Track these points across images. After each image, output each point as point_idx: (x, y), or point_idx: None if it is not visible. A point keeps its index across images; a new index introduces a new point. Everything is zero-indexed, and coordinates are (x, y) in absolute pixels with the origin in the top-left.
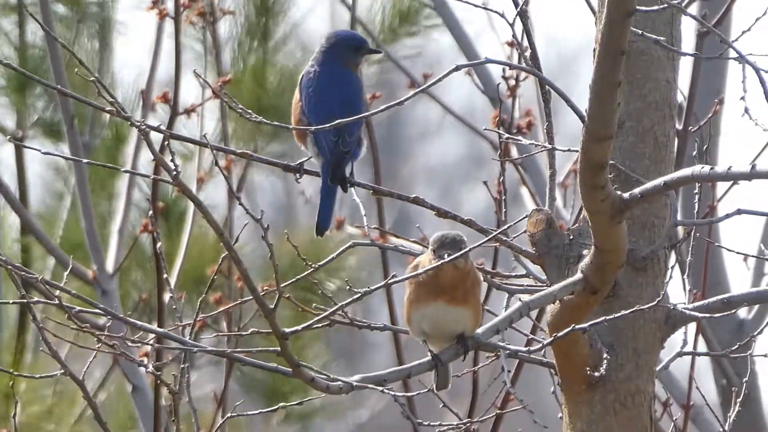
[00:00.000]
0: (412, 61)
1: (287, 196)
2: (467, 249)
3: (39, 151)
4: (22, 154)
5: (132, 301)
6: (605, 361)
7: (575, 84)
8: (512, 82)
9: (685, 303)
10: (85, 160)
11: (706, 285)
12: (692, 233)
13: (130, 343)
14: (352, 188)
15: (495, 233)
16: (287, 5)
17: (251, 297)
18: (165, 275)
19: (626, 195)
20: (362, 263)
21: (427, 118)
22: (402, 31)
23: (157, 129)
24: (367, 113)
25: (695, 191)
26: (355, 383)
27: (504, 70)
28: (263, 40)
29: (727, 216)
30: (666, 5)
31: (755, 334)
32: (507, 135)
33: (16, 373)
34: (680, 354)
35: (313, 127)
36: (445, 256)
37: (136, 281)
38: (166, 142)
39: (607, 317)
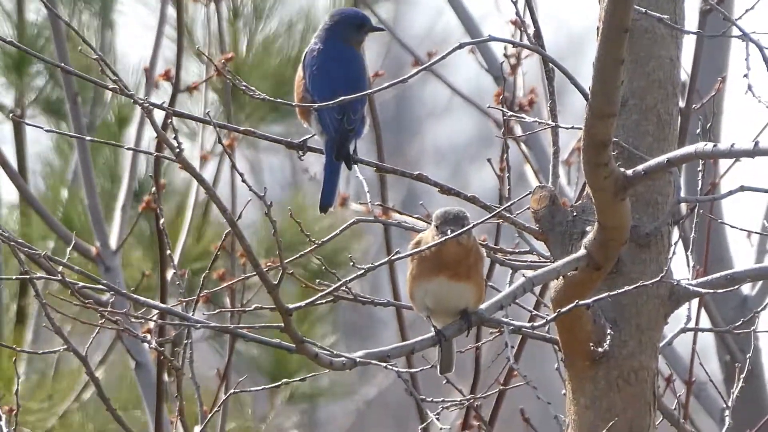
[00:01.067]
0: (420, 42)
1: (293, 175)
2: (470, 225)
3: (42, 128)
4: (22, 132)
5: (135, 278)
6: (608, 337)
7: (583, 65)
8: (514, 61)
9: (688, 279)
10: (88, 138)
11: (709, 261)
12: (695, 210)
13: (133, 320)
14: (356, 165)
15: (498, 209)
16: None
17: (255, 273)
18: (168, 252)
19: (629, 172)
20: (367, 245)
21: (435, 98)
22: None
23: (160, 106)
24: (370, 90)
25: (698, 168)
26: (358, 359)
27: (506, 48)
28: (266, 19)
29: (730, 193)
30: None
31: (759, 310)
32: (510, 113)
33: (18, 348)
34: (684, 330)
35: (317, 104)
36: (449, 231)
37: (139, 258)
38: (169, 120)
39: (611, 293)
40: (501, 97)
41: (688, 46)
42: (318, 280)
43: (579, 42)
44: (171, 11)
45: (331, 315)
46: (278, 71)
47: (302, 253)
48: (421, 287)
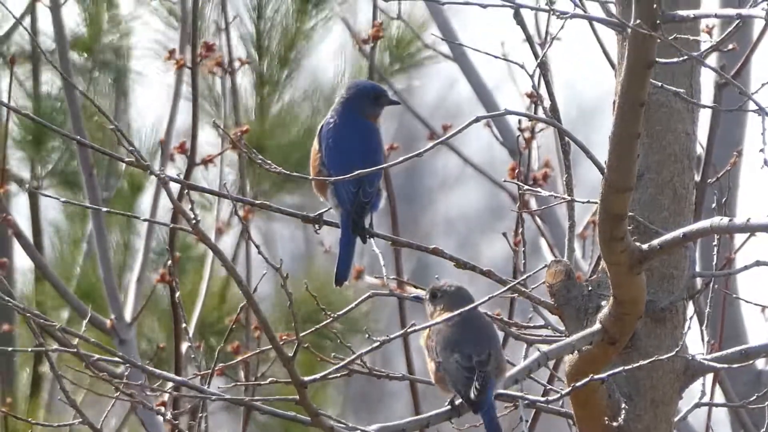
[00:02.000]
0: (431, 113)
1: (306, 246)
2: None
3: (58, 199)
4: (37, 204)
5: (148, 351)
6: (623, 412)
7: (594, 135)
8: (529, 134)
9: (703, 354)
10: (104, 209)
11: (724, 336)
12: (711, 284)
13: (148, 392)
14: (371, 239)
15: (513, 283)
16: (305, 53)
17: (270, 346)
18: (184, 324)
19: (645, 246)
20: (378, 313)
21: (447, 169)
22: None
23: (176, 179)
24: (386, 164)
25: (714, 243)
26: None
27: (520, 122)
28: (281, 91)
29: (746, 267)
30: (686, 57)
31: None
32: (526, 187)
33: (33, 421)
34: (698, 405)
35: (333, 178)
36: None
37: (153, 330)
38: (186, 192)
39: (626, 367)
40: (516, 171)
41: (704, 119)
42: (333, 354)
43: (590, 112)
44: (186, 79)
45: (342, 386)
46: (295, 141)
47: (318, 326)
48: None
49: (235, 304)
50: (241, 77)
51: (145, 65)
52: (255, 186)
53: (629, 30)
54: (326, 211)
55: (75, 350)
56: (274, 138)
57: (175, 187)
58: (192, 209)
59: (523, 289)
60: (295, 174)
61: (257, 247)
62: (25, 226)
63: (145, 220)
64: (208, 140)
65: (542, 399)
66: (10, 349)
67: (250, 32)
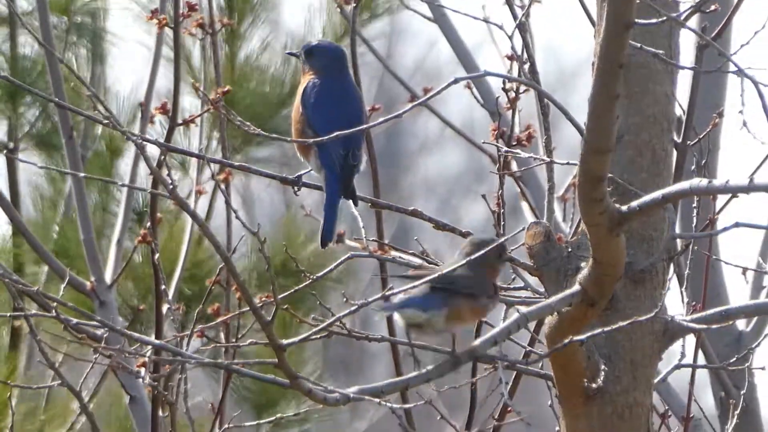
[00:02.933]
0: (411, 75)
1: (285, 207)
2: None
3: (36, 165)
4: (15, 165)
5: (129, 312)
6: (603, 373)
7: (574, 97)
8: (512, 95)
9: (682, 315)
10: (82, 174)
11: (706, 298)
12: (691, 246)
13: (127, 355)
14: (350, 201)
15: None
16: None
17: (248, 309)
18: (163, 286)
19: (624, 208)
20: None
21: (426, 131)
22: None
23: (153, 142)
24: (367, 125)
25: (694, 205)
26: (352, 395)
27: (504, 83)
28: (243, 44)
29: (725, 229)
30: (665, 18)
31: (753, 346)
32: (506, 148)
33: (12, 383)
34: (678, 366)
35: (319, 139)
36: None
37: (133, 292)
38: (163, 157)
39: (605, 329)
40: (497, 132)
41: (684, 81)
42: (312, 316)
43: (569, 74)
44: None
45: (321, 349)
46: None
47: (296, 288)
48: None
49: (215, 266)
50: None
51: (124, 26)
52: (228, 141)
53: None
54: (307, 172)
55: (55, 315)
56: (243, 90)
57: (154, 150)
58: (169, 174)
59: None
60: (273, 136)
61: (235, 212)
62: (3, 187)
63: (123, 185)
64: (186, 101)
65: (522, 361)
66: None
67: None
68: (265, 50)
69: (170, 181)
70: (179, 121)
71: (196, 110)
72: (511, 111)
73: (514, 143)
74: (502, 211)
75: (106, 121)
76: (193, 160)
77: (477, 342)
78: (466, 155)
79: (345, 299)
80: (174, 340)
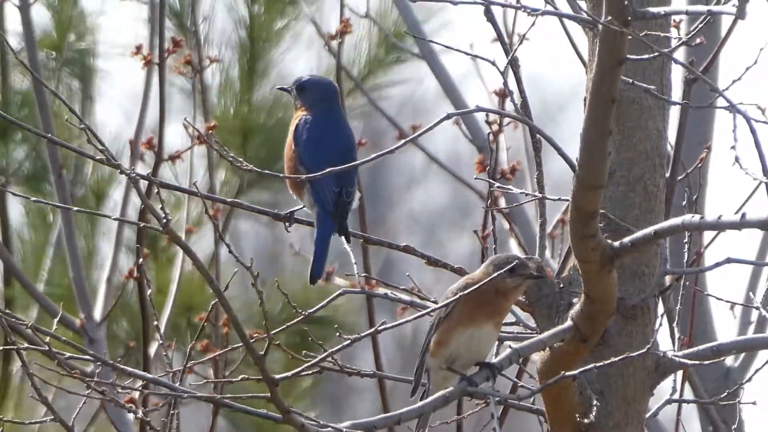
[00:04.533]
0: (397, 110)
1: (273, 244)
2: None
3: (28, 198)
4: (5, 204)
5: (118, 349)
6: (595, 409)
7: (558, 131)
8: (495, 128)
9: (674, 350)
10: (75, 208)
11: (693, 333)
12: (680, 281)
13: (119, 390)
14: (341, 237)
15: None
16: (273, 53)
17: (241, 344)
18: (155, 322)
19: (617, 244)
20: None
21: (411, 164)
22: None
23: (147, 177)
24: (360, 162)
25: (685, 240)
26: (345, 429)
27: (488, 116)
28: (249, 88)
29: (717, 265)
30: (657, 53)
31: (744, 382)
32: (497, 184)
33: (5, 418)
34: (669, 401)
35: (305, 176)
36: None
37: (123, 329)
38: (156, 191)
39: (597, 364)
40: (487, 167)
41: (672, 116)
42: (304, 352)
43: (554, 108)
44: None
45: (310, 384)
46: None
47: (290, 323)
48: (465, 333)
49: (200, 301)
50: (218, 72)
51: (111, 64)
52: (226, 184)
53: (600, 27)
54: (299, 209)
55: (46, 348)
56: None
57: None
58: (162, 208)
59: None
60: (266, 172)
61: (228, 246)
62: None
63: (115, 219)
64: (181, 139)
65: (514, 396)
66: None
67: (244, 17)
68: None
69: (163, 215)
70: (166, 157)
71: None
72: (495, 145)
73: (498, 176)
74: (494, 246)
75: (99, 157)
76: (184, 202)
77: (469, 374)
78: (451, 189)
79: (338, 334)
80: (167, 375)
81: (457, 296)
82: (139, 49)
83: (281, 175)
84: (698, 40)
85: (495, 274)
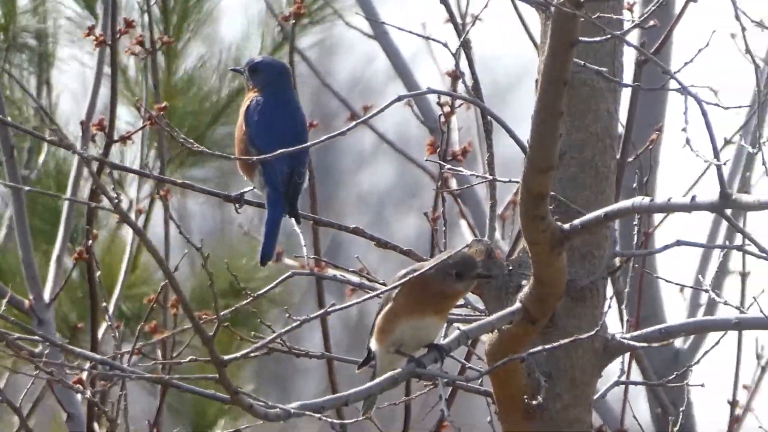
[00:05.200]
0: (348, 90)
1: (221, 224)
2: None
3: None
4: None
5: (67, 331)
6: (543, 390)
7: (508, 112)
8: (447, 109)
9: (622, 332)
10: (26, 188)
11: (643, 315)
12: (630, 263)
13: (68, 371)
14: (291, 218)
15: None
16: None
17: (190, 326)
18: (104, 304)
19: (567, 226)
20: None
21: (359, 145)
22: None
23: (99, 159)
24: (311, 143)
25: (635, 222)
26: (293, 410)
27: (439, 98)
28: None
29: (667, 247)
30: (609, 36)
31: (692, 364)
32: (449, 166)
33: None
34: (618, 383)
35: (257, 158)
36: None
37: (72, 310)
38: (108, 171)
39: (546, 346)
40: (438, 149)
41: (623, 98)
42: (253, 333)
43: (504, 90)
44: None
45: (257, 365)
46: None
47: (238, 305)
48: (409, 323)
49: (152, 284)
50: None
51: (63, 47)
52: (167, 161)
53: (553, 9)
54: (249, 190)
55: None
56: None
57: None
58: (114, 188)
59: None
60: (217, 153)
61: (178, 226)
62: None
63: (67, 199)
64: (128, 120)
65: (462, 378)
66: None
67: None
68: (202, 66)
69: (114, 196)
70: (116, 137)
71: (136, 127)
72: (447, 126)
73: (449, 158)
74: (444, 228)
75: (51, 137)
76: (129, 178)
77: (417, 356)
78: (400, 170)
79: (288, 315)
80: (115, 356)
81: (397, 284)
82: (91, 29)
83: (232, 156)
84: (651, 23)
85: (443, 280)
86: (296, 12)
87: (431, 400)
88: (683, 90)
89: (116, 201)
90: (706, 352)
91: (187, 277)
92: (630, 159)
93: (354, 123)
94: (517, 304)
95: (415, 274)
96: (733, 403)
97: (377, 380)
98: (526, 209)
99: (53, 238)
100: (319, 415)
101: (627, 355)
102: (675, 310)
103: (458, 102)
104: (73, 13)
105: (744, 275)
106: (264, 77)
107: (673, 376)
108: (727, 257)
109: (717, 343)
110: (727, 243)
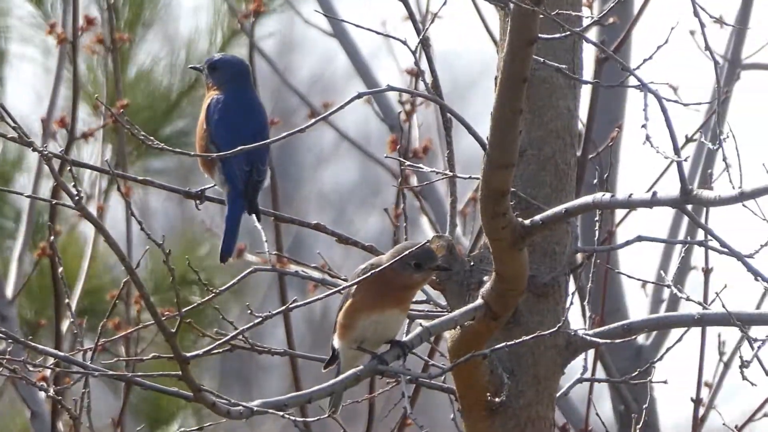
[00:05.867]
0: (308, 87)
1: (182, 222)
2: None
3: None
4: None
5: (28, 328)
6: (506, 387)
7: (469, 109)
8: (408, 107)
9: (585, 329)
10: None
11: (605, 311)
12: (592, 259)
13: (31, 368)
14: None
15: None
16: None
17: (152, 322)
18: (67, 300)
19: (527, 222)
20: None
21: (320, 142)
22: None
23: (59, 156)
24: (271, 140)
25: (596, 218)
26: (255, 408)
27: (401, 96)
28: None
29: (628, 243)
30: (568, 33)
31: (655, 360)
32: (408, 163)
33: None
34: (580, 380)
35: (216, 154)
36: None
37: (35, 307)
38: (69, 168)
39: (508, 343)
40: (398, 146)
41: (583, 95)
42: (216, 330)
43: (464, 87)
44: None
45: (218, 362)
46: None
47: (200, 302)
48: (370, 318)
49: (112, 281)
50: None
51: (22, 45)
52: (128, 154)
53: (512, 6)
54: (210, 187)
55: None
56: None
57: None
58: (75, 185)
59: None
60: (177, 151)
61: (140, 223)
62: None
63: (28, 196)
64: (83, 117)
65: (425, 375)
66: None
67: None
68: (156, 64)
69: (75, 193)
70: (78, 135)
71: (92, 125)
72: (407, 124)
73: (410, 155)
74: (405, 225)
75: (11, 135)
76: (86, 175)
77: (379, 352)
78: (361, 167)
79: (250, 311)
80: (78, 353)
81: (358, 280)
82: (53, 27)
83: (192, 153)
84: (611, 20)
85: (402, 271)
86: (256, 9)
87: (395, 398)
88: (643, 87)
89: (78, 198)
90: (668, 349)
91: (149, 274)
92: (590, 156)
93: (314, 120)
94: (479, 301)
95: (375, 269)
96: (697, 401)
97: (340, 377)
98: (486, 206)
99: (14, 234)
100: (281, 413)
101: (590, 352)
102: (637, 306)
103: (419, 100)
104: (26, 12)
105: (707, 271)
106: (224, 75)
107: (636, 372)
108: (689, 253)
109: (680, 340)
110: (689, 239)
